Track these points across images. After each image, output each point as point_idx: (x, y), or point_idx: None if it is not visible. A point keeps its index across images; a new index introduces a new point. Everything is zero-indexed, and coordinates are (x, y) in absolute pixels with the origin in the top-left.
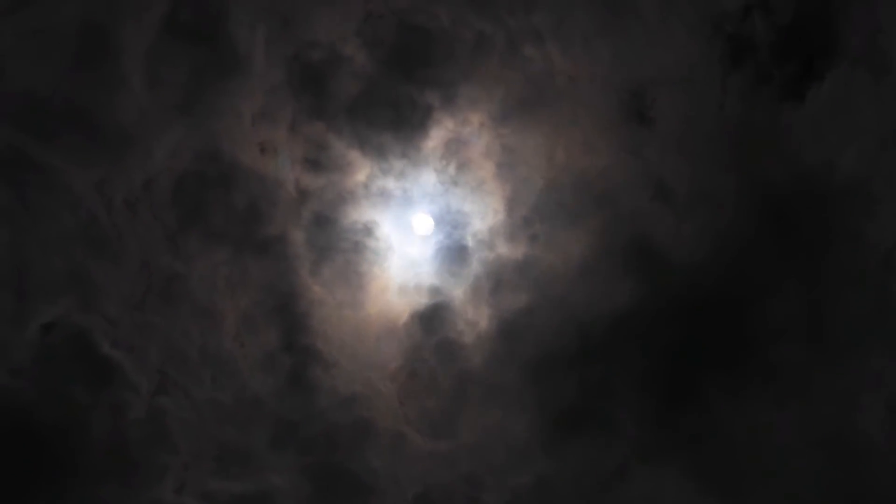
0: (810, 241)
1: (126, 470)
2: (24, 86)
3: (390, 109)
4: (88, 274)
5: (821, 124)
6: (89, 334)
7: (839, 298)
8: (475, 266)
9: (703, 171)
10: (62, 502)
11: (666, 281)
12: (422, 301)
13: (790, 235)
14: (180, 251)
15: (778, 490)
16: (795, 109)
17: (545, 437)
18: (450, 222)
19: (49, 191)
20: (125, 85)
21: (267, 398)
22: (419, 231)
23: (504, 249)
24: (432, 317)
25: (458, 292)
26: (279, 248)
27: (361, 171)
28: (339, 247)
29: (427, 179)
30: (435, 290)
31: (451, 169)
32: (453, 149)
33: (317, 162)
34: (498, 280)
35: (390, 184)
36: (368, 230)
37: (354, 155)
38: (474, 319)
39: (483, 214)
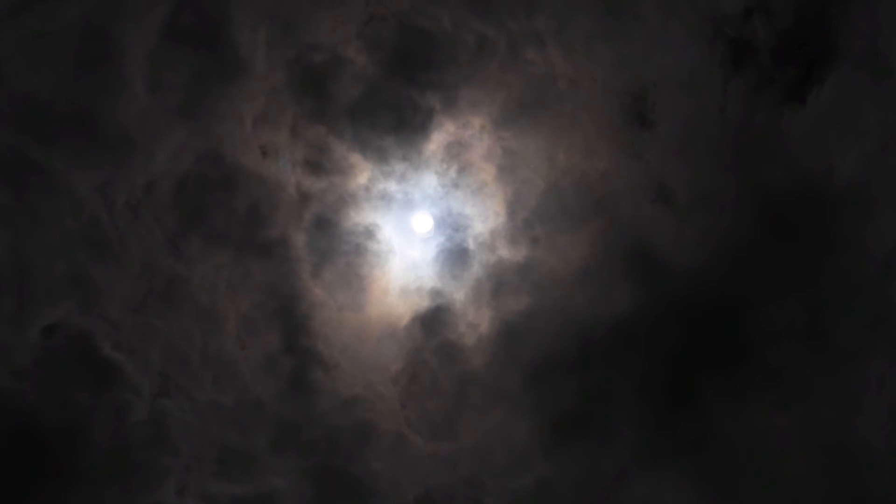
0: (810, 245)
1: (127, 472)
2: (26, 89)
3: (391, 112)
4: (90, 276)
5: (821, 127)
6: (91, 336)
7: (839, 303)
8: (476, 269)
9: (704, 174)
10: None
11: (666, 284)
12: (423, 303)
13: (790, 239)
14: (182, 254)
15: (777, 495)
16: (796, 112)
17: (545, 440)
18: (451, 225)
19: (51, 193)
20: (127, 88)
21: (268, 400)
22: (419, 229)
23: (505, 252)
24: (433, 319)
25: (459, 295)
26: (280, 250)
27: (362, 173)
28: (340, 249)
29: (428, 182)
30: (436, 293)
31: (453, 172)
32: (454, 151)
33: (318, 165)
34: (499, 283)
35: (391, 186)
36: (370, 233)
37: (355, 158)
38: (475, 322)
39: (484, 217)
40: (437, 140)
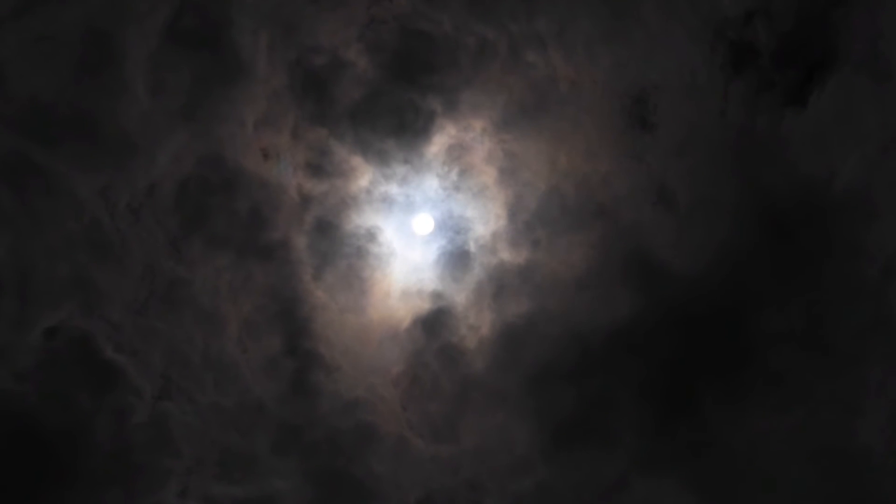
0: (810, 249)
1: (129, 474)
2: (27, 91)
3: (393, 115)
4: (92, 278)
5: (822, 130)
6: (92, 339)
7: (839, 307)
8: (477, 271)
9: (705, 176)
10: None
11: (666, 288)
12: (424, 306)
13: (790, 243)
14: (183, 256)
15: (777, 500)
16: (797, 115)
17: (546, 446)
18: (452, 227)
19: (52, 196)
20: (128, 91)
21: (269, 403)
22: (421, 231)
23: (506, 255)
24: (434, 322)
25: (460, 297)
26: (282, 253)
27: (364, 176)
28: (341, 252)
29: (429, 185)
30: (437, 295)
31: (454, 174)
32: (455, 154)
33: (319, 167)
34: (500, 285)
35: (393, 189)
36: (371, 235)
37: (357, 160)
38: (476, 324)
39: (485, 220)
40: (439, 143)
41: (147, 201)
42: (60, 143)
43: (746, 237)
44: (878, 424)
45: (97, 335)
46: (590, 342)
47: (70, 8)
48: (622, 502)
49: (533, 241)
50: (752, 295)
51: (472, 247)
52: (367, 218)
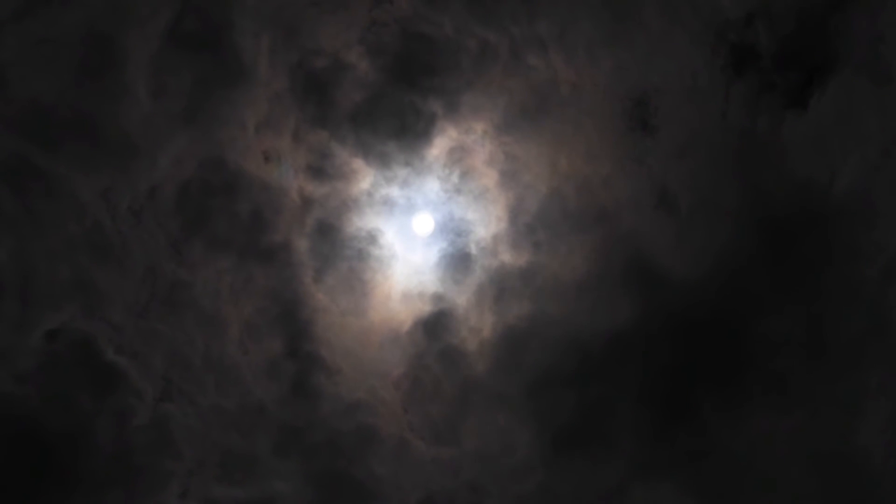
0: (810, 253)
1: (130, 476)
2: (29, 94)
3: (394, 117)
4: (93, 281)
5: (823, 133)
6: (94, 341)
7: (839, 312)
8: (478, 273)
9: (706, 179)
10: None
11: (666, 293)
12: (425, 308)
13: (790, 247)
14: (184, 258)
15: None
16: (798, 118)
17: (545, 451)
18: (453, 230)
19: (54, 198)
20: (130, 94)
21: (271, 405)
22: (422, 234)
23: (507, 257)
24: (436, 324)
25: (461, 300)
26: (283, 255)
27: (365, 179)
28: (342, 254)
29: (430, 187)
30: (438, 298)
31: (455, 177)
32: (457, 157)
33: (320, 170)
34: (501, 287)
35: (394, 191)
36: (372, 238)
37: (358, 163)
38: (477, 327)
39: (486, 222)
40: (440, 145)
41: (148, 204)
42: (62, 145)
43: (747, 241)
44: (878, 427)
45: (98, 337)
46: (590, 346)
47: (71, 11)
48: None
49: (534, 244)
50: (752, 298)
51: (472, 249)
52: (368, 220)
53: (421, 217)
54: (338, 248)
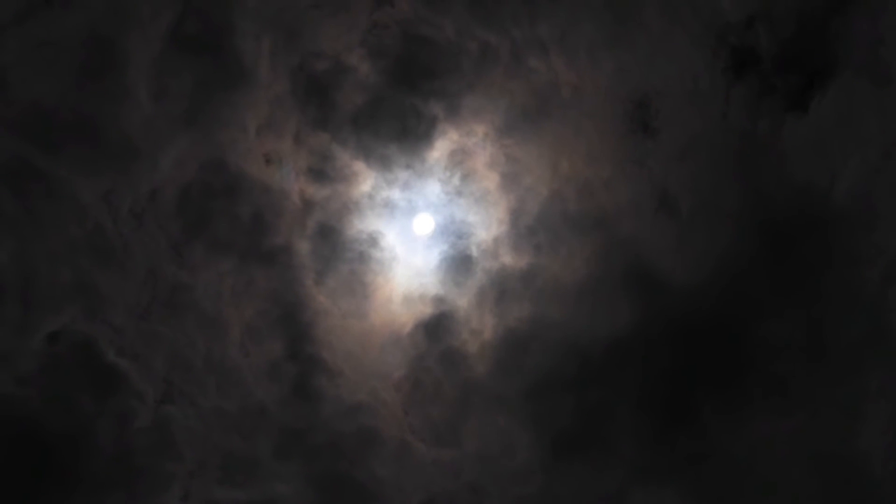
0: (810, 256)
1: (131, 478)
2: (30, 97)
3: (395, 120)
4: (94, 283)
5: (824, 135)
6: (95, 343)
7: (839, 316)
8: (479, 276)
9: (707, 182)
10: None
11: (667, 296)
12: (426, 310)
13: (790, 250)
14: (185, 261)
15: None
16: (798, 120)
17: (545, 455)
18: (454, 232)
19: (55, 201)
20: (131, 96)
21: (272, 407)
22: (423, 236)
23: (508, 259)
24: (436, 326)
25: (462, 302)
26: (284, 258)
27: (366, 181)
28: (343, 257)
29: (431, 190)
30: (439, 300)
31: (456, 179)
32: (458, 159)
33: (321, 172)
34: (502, 290)
35: (395, 194)
36: (373, 240)
37: (359, 165)
38: (478, 329)
39: (487, 224)
40: (441, 148)
41: (149, 206)
42: (63, 147)
43: (747, 243)
44: (878, 430)
45: (100, 339)
46: (590, 349)
47: (72, 13)
48: None
49: (535, 246)
50: (752, 301)
51: (473, 251)
52: (369, 223)
53: (422, 219)
54: (339, 251)
